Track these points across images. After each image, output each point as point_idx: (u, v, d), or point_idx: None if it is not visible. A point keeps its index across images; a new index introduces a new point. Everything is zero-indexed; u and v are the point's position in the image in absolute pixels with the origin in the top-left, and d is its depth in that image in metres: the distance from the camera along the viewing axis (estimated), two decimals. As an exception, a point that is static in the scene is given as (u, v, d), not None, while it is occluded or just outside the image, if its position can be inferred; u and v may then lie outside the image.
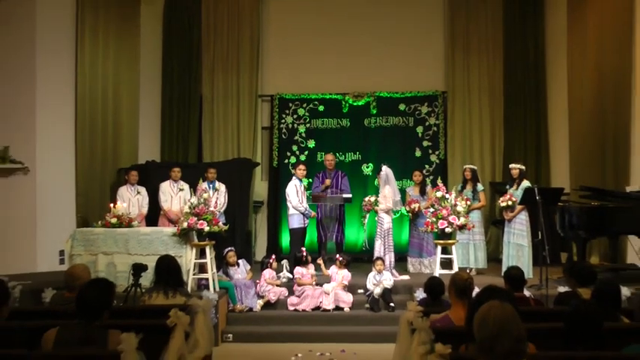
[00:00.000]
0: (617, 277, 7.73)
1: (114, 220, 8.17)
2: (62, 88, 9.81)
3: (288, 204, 9.25)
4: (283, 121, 11.52)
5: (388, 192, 8.93)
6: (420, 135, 11.36)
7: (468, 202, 8.60)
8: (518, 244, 8.47)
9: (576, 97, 10.68)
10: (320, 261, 8.78)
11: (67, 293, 5.15)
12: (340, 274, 8.17)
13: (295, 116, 11.52)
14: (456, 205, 8.16)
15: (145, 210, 9.44)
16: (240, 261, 8.46)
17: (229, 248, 8.51)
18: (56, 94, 9.72)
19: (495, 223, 10.26)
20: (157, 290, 5.35)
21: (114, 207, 8.41)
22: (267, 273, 8.29)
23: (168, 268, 5.50)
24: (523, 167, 8.96)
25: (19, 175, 9.43)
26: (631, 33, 9.31)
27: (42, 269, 9.19)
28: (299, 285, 8.12)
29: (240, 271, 8.35)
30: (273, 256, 8.70)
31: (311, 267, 8.35)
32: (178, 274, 5.63)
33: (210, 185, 9.23)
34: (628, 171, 9.45)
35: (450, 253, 8.16)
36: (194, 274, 7.82)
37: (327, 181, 9.60)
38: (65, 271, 5.66)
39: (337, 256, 8.49)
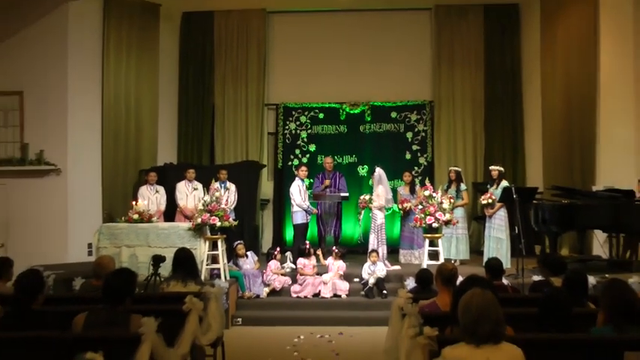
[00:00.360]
0: (584, 267, 7.76)
1: (135, 216, 8.17)
2: (90, 98, 9.85)
3: (292, 202, 9.24)
4: (287, 127, 11.53)
5: (381, 191, 8.93)
6: (409, 140, 11.36)
7: (452, 200, 8.60)
8: (497, 238, 8.48)
9: (548, 105, 10.71)
10: (319, 252, 8.80)
11: (95, 281, 5.16)
12: (336, 265, 8.17)
13: (298, 123, 11.53)
14: (442, 202, 8.17)
15: (163, 207, 9.44)
16: (248, 253, 8.47)
17: (239, 241, 8.52)
18: (85, 103, 9.76)
19: (477, 218, 10.27)
20: (176, 279, 5.33)
21: (135, 204, 8.41)
22: (273, 264, 8.30)
23: (185, 260, 5.48)
24: (502, 169, 8.97)
25: (52, 176, 9.48)
26: (595, 47, 9.35)
27: (72, 260, 9.22)
28: (301, 275, 8.13)
29: (249, 262, 8.36)
30: (278, 249, 8.70)
31: (313, 259, 8.34)
32: (194, 265, 5.63)
33: (222, 185, 9.23)
34: (594, 172, 9.51)
35: (437, 246, 8.16)
36: (207, 265, 7.83)
37: (327, 182, 9.58)
38: (94, 261, 5.68)
39: (333, 248, 8.49)
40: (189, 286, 5.25)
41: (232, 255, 8.41)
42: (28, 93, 9.53)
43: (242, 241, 8.57)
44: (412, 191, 9.42)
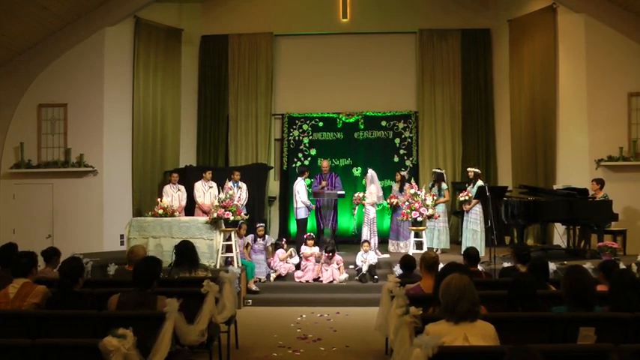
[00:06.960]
0: (546, 255, 7.76)
1: (160, 211, 8.16)
2: (122, 110, 9.86)
3: (298, 199, 9.16)
4: (291, 134, 11.51)
5: (373, 189, 8.94)
6: (397, 145, 11.35)
7: (434, 197, 8.60)
8: (473, 230, 8.46)
9: (516, 116, 10.74)
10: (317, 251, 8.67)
11: (129, 266, 5.15)
12: (334, 260, 7.95)
13: (300, 130, 11.51)
14: (425, 199, 8.17)
15: (184, 203, 9.39)
16: (265, 235, 8.39)
17: (260, 224, 8.46)
18: (118, 114, 9.78)
19: (456, 213, 10.25)
20: (183, 270, 5.23)
21: (160, 201, 8.41)
22: (280, 252, 8.26)
23: (187, 251, 5.33)
24: (477, 170, 8.98)
25: (90, 177, 9.53)
26: (555, 67, 9.61)
27: (107, 249, 9.23)
28: (305, 258, 8.08)
29: (262, 243, 8.26)
30: (284, 239, 8.68)
31: (315, 248, 8.30)
32: (195, 255, 5.43)
33: (235, 184, 9.20)
34: (554, 173, 9.59)
35: (421, 237, 8.16)
36: (222, 253, 7.80)
37: (323, 183, 9.53)
38: (128, 249, 5.68)
39: (324, 253, 8.04)
40: (199, 273, 5.20)
41: (254, 234, 8.31)
42: (71, 105, 9.58)
43: (262, 224, 8.54)
44: (401, 189, 9.40)
